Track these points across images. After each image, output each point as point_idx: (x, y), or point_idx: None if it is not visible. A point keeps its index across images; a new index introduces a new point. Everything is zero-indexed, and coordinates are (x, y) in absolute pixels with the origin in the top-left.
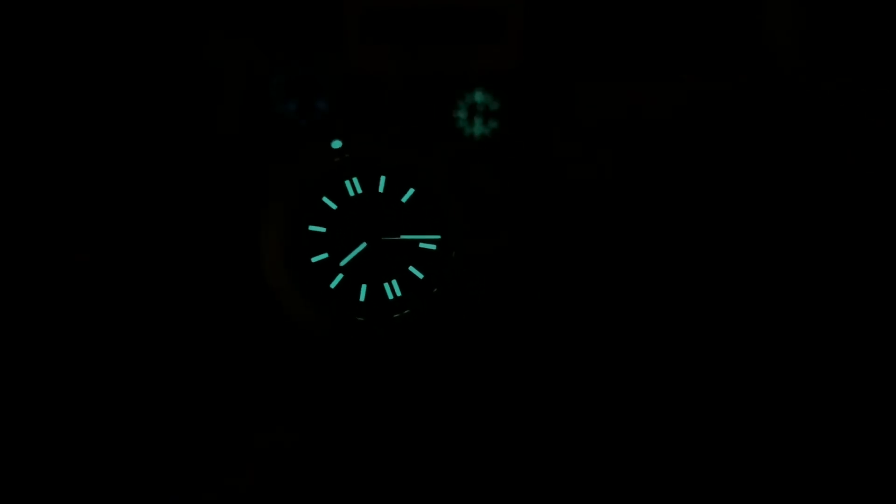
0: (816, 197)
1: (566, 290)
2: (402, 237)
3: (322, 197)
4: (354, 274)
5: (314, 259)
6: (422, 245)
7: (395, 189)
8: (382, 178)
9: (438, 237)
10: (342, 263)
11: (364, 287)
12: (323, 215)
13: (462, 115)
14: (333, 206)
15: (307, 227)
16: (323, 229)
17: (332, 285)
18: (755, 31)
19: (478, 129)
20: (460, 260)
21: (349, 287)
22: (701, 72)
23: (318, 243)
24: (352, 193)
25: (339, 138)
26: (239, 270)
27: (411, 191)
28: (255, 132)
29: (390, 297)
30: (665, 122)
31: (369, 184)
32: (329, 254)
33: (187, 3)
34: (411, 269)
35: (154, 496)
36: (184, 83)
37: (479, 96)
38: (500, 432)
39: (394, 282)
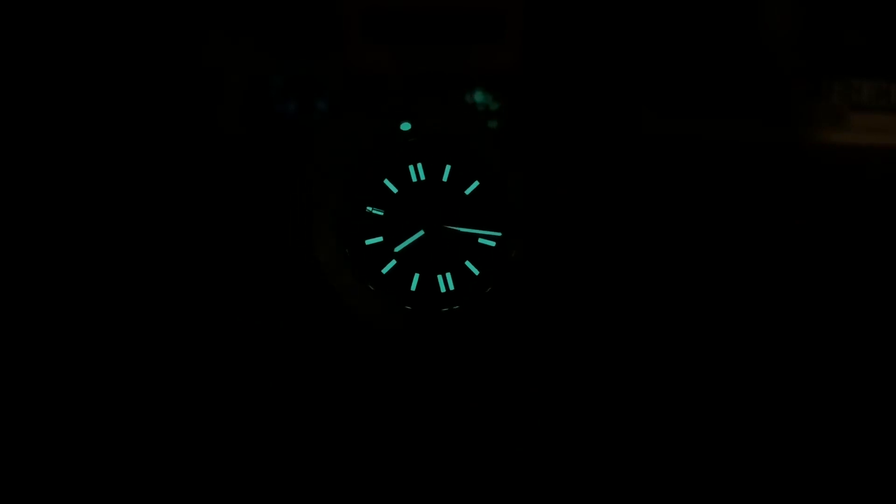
0: (811, 200)
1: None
2: (462, 229)
3: (384, 179)
4: (408, 262)
5: (368, 241)
6: (481, 240)
7: (460, 180)
8: (447, 167)
9: (499, 234)
10: (397, 249)
11: (416, 276)
12: (383, 198)
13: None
14: (394, 190)
15: (365, 208)
16: (381, 212)
17: (384, 271)
18: (755, 31)
19: None
20: (519, 260)
21: (401, 275)
22: (699, 70)
23: (374, 226)
24: (414, 179)
25: (408, 120)
26: (240, 267)
27: (476, 183)
28: (256, 132)
29: (442, 289)
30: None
31: (433, 171)
32: (384, 238)
33: (187, 3)
34: (467, 263)
35: (160, 491)
36: (184, 84)
37: (479, 96)
38: (523, 436)
39: (448, 275)
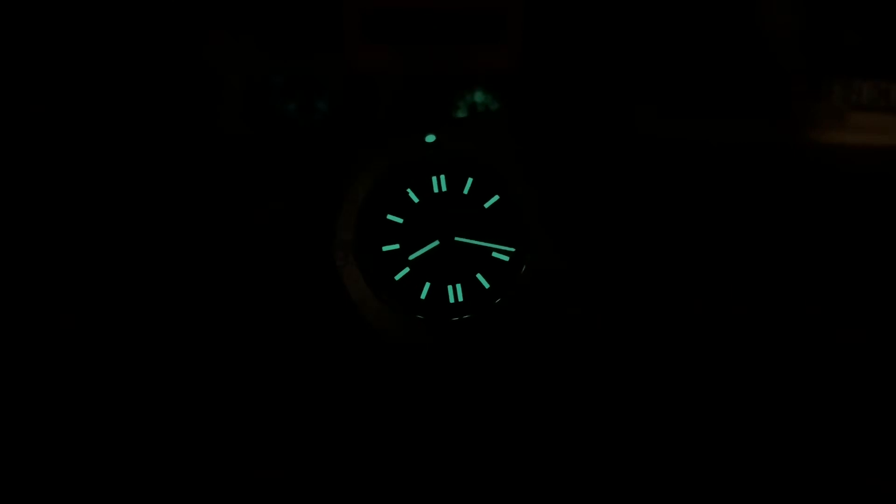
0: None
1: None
2: (476, 242)
3: (407, 189)
4: (421, 271)
5: (385, 248)
6: (494, 254)
7: (480, 193)
8: (469, 180)
9: (513, 249)
10: (411, 258)
11: (427, 285)
12: (403, 206)
13: (462, 115)
14: (416, 200)
15: (385, 216)
16: (400, 220)
17: (397, 277)
18: (755, 31)
19: None
20: (529, 276)
21: (413, 283)
22: (699, 70)
23: (392, 233)
24: (436, 190)
25: (433, 133)
26: (240, 267)
27: (496, 197)
28: (256, 132)
29: (451, 300)
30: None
31: (455, 183)
32: (401, 245)
33: (187, 3)
34: (479, 276)
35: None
36: (184, 83)
37: (479, 96)
38: (535, 445)
39: (458, 286)
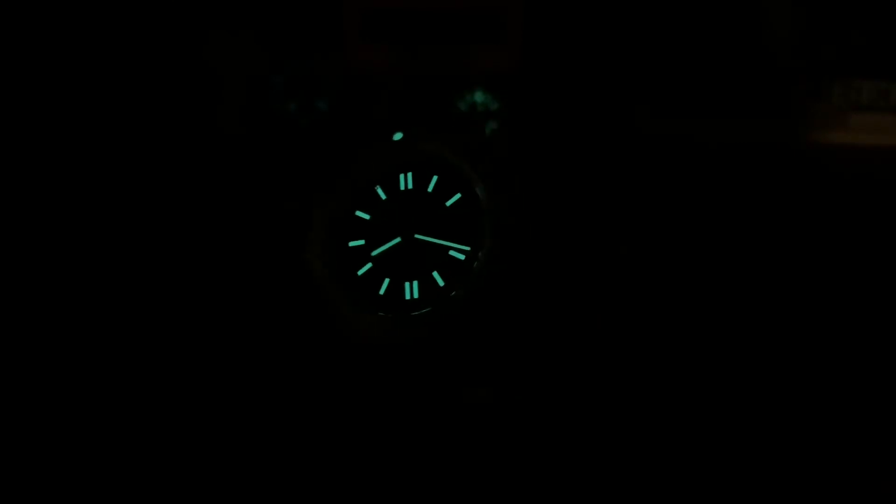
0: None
1: (565, 297)
2: (433, 240)
3: (376, 186)
4: (382, 267)
5: (351, 244)
6: (451, 253)
7: (444, 191)
8: (434, 178)
9: (468, 248)
10: (373, 254)
11: (387, 281)
12: (371, 203)
13: (460, 115)
14: (383, 197)
15: (354, 212)
16: (367, 216)
17: (360, 272)
18: (755, 31)
19: None
20: (480, 273)
21: (374, 279)
22: (699, 70)
23: (359, 229)
24: (402, 187)
25: (400, 131)
26: (238, 267)
27: (458, 196)
28: (256, 132)
29: (407, 297)
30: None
31: (421, 181)
32: (366, 241)
33: (188, 3)
34: (434, 274)
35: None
36: (184, 83)
37: (479, 96)
38: (504, 437)
39: (415, 283)
